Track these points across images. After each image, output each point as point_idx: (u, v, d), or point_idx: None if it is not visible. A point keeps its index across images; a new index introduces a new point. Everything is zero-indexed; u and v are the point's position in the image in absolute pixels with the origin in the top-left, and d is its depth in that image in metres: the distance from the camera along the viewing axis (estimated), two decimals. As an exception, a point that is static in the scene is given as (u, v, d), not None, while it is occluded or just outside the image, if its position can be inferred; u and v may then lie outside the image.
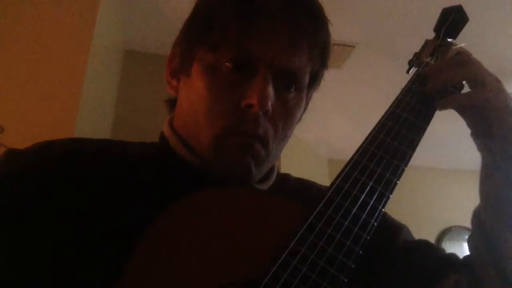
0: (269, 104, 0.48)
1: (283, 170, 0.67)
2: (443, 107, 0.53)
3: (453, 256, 0.58)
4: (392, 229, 0.60)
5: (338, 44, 2.36)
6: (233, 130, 0.49)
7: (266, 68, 0.49)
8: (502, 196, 0.51)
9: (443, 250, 0.60)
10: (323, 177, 3.70)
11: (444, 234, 3.84)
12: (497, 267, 0.50)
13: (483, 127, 0.52)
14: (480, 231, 0.53)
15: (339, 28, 2.24)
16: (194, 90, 0.52)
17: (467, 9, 0.62)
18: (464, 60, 0.53)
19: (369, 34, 2.31)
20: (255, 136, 0.49)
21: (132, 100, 2.39)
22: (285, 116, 0.52)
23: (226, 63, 0.50)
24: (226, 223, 0.44)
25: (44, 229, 0.44)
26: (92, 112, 1.81)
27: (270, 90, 0.49)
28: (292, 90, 0.53)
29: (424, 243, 0.60)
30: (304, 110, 0.59)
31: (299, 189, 0.63)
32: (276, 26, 0.50)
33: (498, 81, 0.52)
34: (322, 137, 3.62)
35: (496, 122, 0.50)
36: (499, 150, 0.51)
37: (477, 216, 0.54)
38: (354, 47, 2.40)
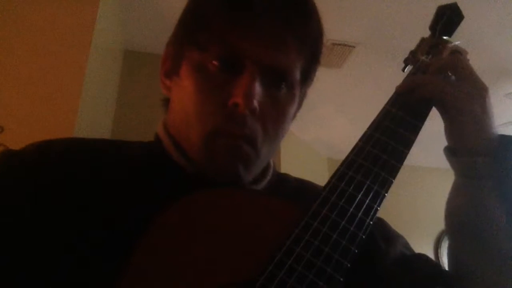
0: (255, 102, 0.47)
1: (283, 170, 0.66)
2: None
3: (445, 272, 0.57)
4: (390, 239, 0.59)
5: (338, 44, 2.36)
6: (220, 131, 0.48)
7: (253, 65, 0.48)
8: (467, 221, 0.50)
9: (438, 266, 0.59)
10: (323, 177, 3.66)
11: (444, 234, 3.83)
12: None
13: (449, 135, 0.52)
14: (452, 259, 0.53)
15: (339, 28, 2.24)
16: (183, 90, 0.51)
17: (464, 7, 0.62)
18: (453, 64, 0.53)
19: (369, 34, 2.30)
20: (242, 136, 0.48)
21: (132, 100, 2.39)
22: (276, 114, 0.51)
23: (213, 62, 0.49)
24: (224, 224, 0.44)
25: (42, 230, 0.44)
26: (92, 112, 1.81)
27: (257, 88, 0.47)
28: (283, 87, 0.51)
29: (419, 257, 0.59)
30: (299, 107, 0.58)
31: (298, 189, 0.62)
32: (262, 23, 0.48)
33: (483, 88, 0.51)
34: (322, 137, 3.62)
35: (458, 128, 0.50)
36: (462, 168, 0.50)
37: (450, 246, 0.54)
38: (354, 47, 2.40)
